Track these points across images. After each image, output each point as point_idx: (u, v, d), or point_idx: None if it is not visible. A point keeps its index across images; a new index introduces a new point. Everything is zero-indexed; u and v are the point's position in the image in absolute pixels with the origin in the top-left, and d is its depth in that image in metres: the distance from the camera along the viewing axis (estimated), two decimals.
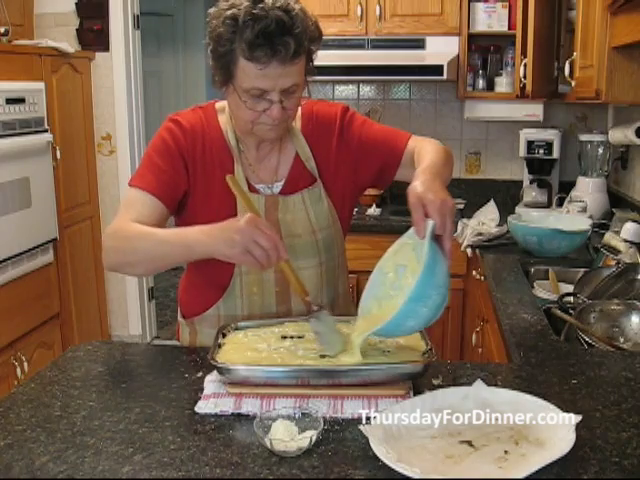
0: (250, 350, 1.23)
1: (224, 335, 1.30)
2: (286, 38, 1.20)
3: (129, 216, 1.33)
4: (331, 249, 1.46)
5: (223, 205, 1.39)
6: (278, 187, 1.44)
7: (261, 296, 1.44)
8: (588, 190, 2.92)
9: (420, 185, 1.15)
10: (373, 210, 3.16)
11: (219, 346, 1.24)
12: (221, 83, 1.31)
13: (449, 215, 1.11)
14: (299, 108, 1.42)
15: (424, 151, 1.39)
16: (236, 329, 1.33)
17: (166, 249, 1.28)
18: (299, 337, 1.28)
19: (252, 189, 1.42)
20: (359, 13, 3.10)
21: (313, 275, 1.44)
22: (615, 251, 2.04)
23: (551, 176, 3.18)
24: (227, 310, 1.45)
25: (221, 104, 1.46)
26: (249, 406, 1.12)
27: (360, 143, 1.47)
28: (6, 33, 3.11)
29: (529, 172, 3.22)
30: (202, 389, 1.19)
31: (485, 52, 3.27)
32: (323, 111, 1.49)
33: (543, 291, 1.94)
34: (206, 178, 1.41)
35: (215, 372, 1.19)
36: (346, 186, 1.49)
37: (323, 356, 1.20)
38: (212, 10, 1.29)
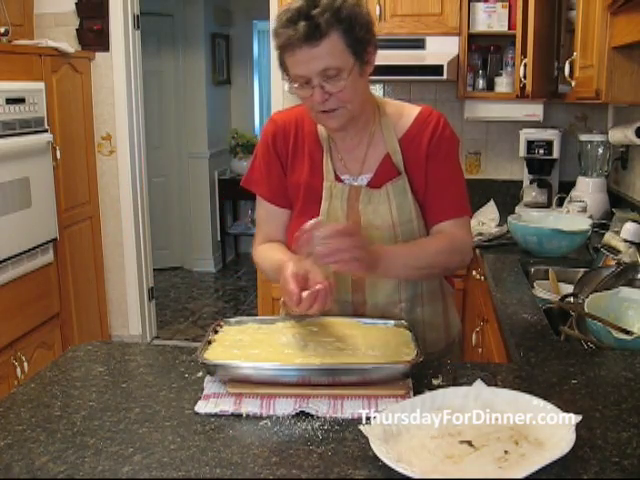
0: (237, 347, 1.25)
1: (216, 332, 1.31)
2: (300, 22, 1.27)
3: (260, 236, 1.57)
4: None
5: (310, 194, 1.48)
6: (363, 179, 1.47)
7: (337, 284, 1.44)
8: (588, 190, 2.92)
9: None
10: None
11: (209, 343, 1.26)
12: (285, 78, 1.40)
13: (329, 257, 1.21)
14: (415, 112, 1.47)
15: (436, 240, 1.46)
16: (229, 325, 1.35)
17: (276, 277, 1.39)
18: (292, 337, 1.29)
19: (337, 179, 1.48)
20: None
21: None
22: (615, 251, 2.04)
23: (551, 176, 3.18)
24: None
25: None
26: (249, 406, 1.12)
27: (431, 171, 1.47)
28: (6, 33, 3.11)
29: (529, 172, 3.22)
30: (202, 389, 1.19)
31: (485, 52, 3.27)
32: (440, 124, 1.47)
33: (543, 291, 1.94)
34: (295, 170, 1.50)
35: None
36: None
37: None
38: None
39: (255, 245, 1.58)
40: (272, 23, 1.36)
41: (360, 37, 1.33)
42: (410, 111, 1.49)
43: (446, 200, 1.48)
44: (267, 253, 1.50)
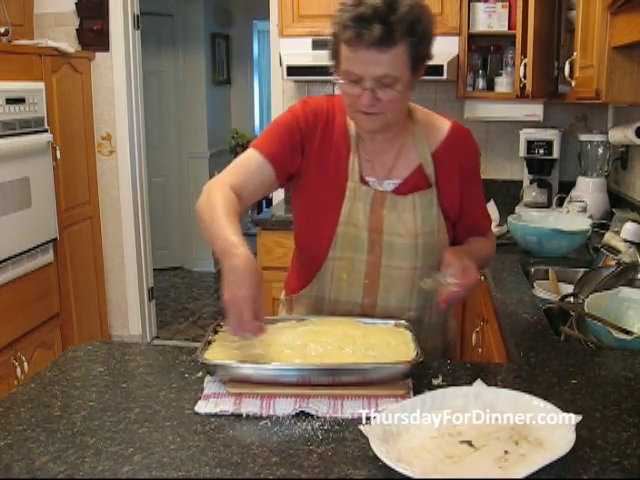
0: (237, 347, 1.24)
1: (216, 332, 1.31)
2: (375, 24, 1.23)
3: (233, 177, 1.41)
4: (431, 256, 1.43)
5: (332, 191, 1.44)
6: (390, 185, 1.45)
7: (349, 284, 1.46)
8: (588, 190, 2.92)
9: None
10: None
11: (209, 343, 1.26)
12: (333, 68, 1.38)
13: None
14: (447, 126, 1.48)
15: (483, 243, 1.54)
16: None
17: (211, 242, 1.30)
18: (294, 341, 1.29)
19: (362, 181, 1.44)
20: None
21: (405, 277, 1.44)
22: (615, 251, 2.04)
23: (551, 176, 3.18)
24: (318, 292, 1.49)
25: None
26: (249, 406, 1.12)
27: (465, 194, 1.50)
28: (6, 33, 3.11)
29: (529, 172, 3.22)
30: (202, 389, 1.19)
31: (485, 52, 3.27)
32: (471, 142, 1.54)
33: (543, 291, 1.94)
34: (320, 162, 1.45)
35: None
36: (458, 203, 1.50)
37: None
38: None
39: (220, 181, 1.40)
40: (339, 10, 1.29)
41: (423, 52, 1.32)
42: (441, 124, 1.50)
43: (483, 216, 1.58)
44: (223, 211, 1.31)
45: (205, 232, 1.32)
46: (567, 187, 3.09)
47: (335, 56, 1.34)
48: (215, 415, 1.10)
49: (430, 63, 1.38)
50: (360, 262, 1.43)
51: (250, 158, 1.43)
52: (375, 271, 1.43)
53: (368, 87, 1.29)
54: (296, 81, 3.49)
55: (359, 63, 1.27)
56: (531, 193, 3.15)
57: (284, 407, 1.11)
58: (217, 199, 1.33)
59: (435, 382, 1.21)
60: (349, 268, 1.45)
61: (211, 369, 1.18)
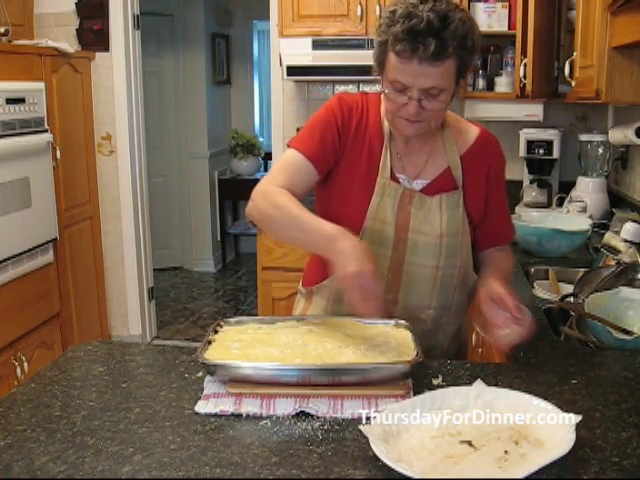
0: (237, 347, 1.24)
1: (216, 332, 1.31)
2: (429, 38, 1.24)
3: (281, 179, 1.41)
4: (453, 257, 1.46)
5: (362, 185, 1.45)
6: (418, 185, 1.47)
7: None
8: (588, 190, 2.92)
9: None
10: None
11: (209, 343, 1.26)
12: (377, 71, 1.39)
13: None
14: (475, 131, 1.51)
15: (510, 263, 1.58)
16: (229, 325, 1.35)
17: (303, 237, 1.33)
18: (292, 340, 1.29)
19: (393, 177, 1.46)
20: (359, 13, 3.10)
21: (427, 276, 1.46)
22: (615, 251, 2.04)
23: (551, 176, 3.18)
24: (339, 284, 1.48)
25: None
26: (249, 406, 1.12)
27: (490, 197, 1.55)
28: (6, 33, 3.12)
29: (529, 172, 3.22)
30: (202, 389, 1.19)
31: (485, 52, 3.27)
32: (499, 149, 1.59)
33: (543, 291, 1.94)
34: (352, 157, 1.46)
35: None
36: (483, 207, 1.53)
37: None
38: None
39: (273, 184, 1.40)
40: (387, 18, 1.30)
41: (470, 64, 1.34)
42: (470, 129, 1.52)
43: (505, 224, 1.62)
44: (301, 209, 1.34)
45: (291, 230, 1.34)
46: (567, 187, 3.09)
47: (381, 62, 1.35)
48: (215, 415, 1.11)
49: None
50: (384, 258, 1.44)
51: (292, 159, 1.44)
52: (398, 267, 1.45)
53: (415, 97, 1.30)
54: (296, 81, 3.49)
55: (409, 75, 1.28)
56: (531, 193, 3.15)
57: (284, 407, 1.11)
58: (285, 201, 1.36)
59: (435, 382, 1.21)
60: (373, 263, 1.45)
61: (211, 369, 1.18)
